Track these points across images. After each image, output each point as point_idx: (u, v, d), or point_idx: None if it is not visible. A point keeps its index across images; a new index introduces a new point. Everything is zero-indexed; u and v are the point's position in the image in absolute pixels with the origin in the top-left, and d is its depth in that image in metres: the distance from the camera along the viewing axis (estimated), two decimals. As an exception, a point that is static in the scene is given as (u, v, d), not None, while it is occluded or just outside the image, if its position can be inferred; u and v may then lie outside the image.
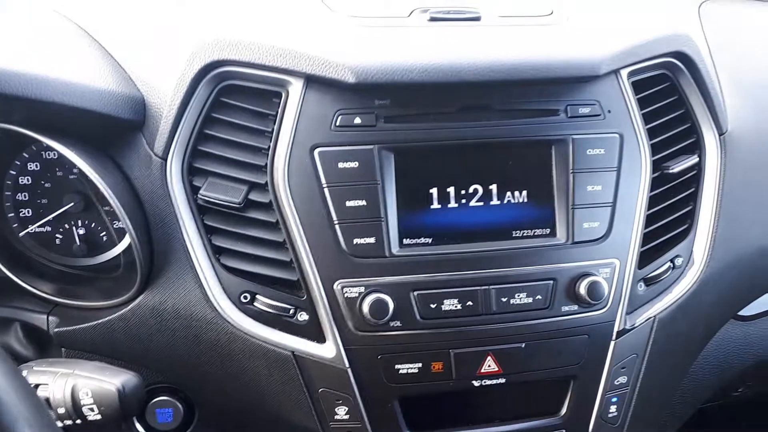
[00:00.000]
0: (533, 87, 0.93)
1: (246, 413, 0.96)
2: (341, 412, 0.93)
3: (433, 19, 0.97)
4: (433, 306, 0.92)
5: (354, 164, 0.89)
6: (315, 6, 0.96)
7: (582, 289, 0.94)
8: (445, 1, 1.02)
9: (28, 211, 1.01)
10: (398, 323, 0.91)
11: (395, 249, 0.91)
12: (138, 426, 1.01)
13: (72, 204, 0.99)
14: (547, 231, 0.96)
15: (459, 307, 0.92)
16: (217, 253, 0.92)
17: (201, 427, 1.00)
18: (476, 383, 0.95)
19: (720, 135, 1.06)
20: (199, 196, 0.91)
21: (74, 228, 1.02)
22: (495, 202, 0.94)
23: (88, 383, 0.81)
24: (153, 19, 1.00)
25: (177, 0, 1.00)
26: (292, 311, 0.92)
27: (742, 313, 1.17)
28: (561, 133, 0.94)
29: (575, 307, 0.96)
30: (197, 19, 0.95)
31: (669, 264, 1.03)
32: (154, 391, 0.99)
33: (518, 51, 0.90)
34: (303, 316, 0.92)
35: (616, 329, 0.98)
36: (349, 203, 0.89)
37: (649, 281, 1.02)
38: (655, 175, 1.01)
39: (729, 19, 1.34)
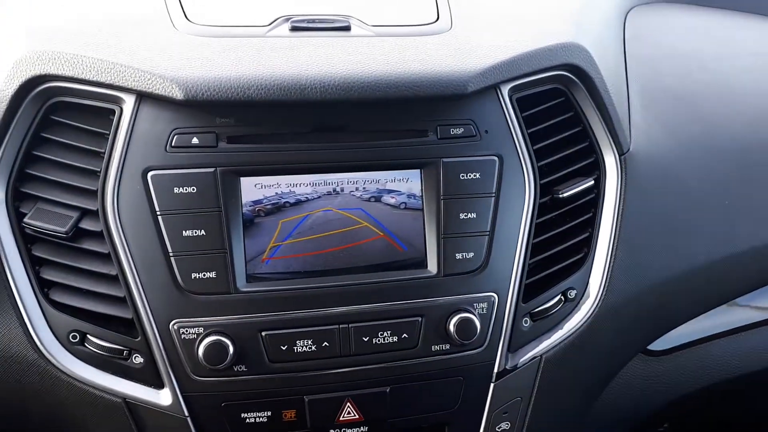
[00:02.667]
0: (398, 105, 0.84)
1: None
2: None
3: (294, 29, 0.88)
4: (283, 348, 0.83)
5: (192, 189, 0.80)
6: (159, 17, 0.88)
7: (452, 327, 0.85)
8: (323, 9, 0.94)
9: None
10: (243, 367, 0.82)
11: (241, 284, 0.82)
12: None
13: None
14: (417, 263, 0.87)
15: (313, 348, 0.83)
16: (45, 287, 0.83)
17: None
18: (334, 432, 0.86)
19: (620, 155, 0.97)
20: (23, 224, 0.82)
21: None
22: (360, 227, 0.86)
23: None
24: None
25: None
26: (125, 353, 0.82)
27: (652, 347, 1.08)
28: (429, 155, 0.86)
29: (447, 347, 0.87)
30: (21, 29, 0.86)
31: (560, 297, 0.94)
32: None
33: (376, 66, 0.81)
34: (138, 359, 0.82)
35: (495, 370, 0.90)
36: (186, 233, 0.80)
37: (536, 316, 0.93)
38: (545, 199, 0.93)
39: (654, 27, 1.26)
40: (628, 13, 1.24)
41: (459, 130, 0.86)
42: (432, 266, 0.87)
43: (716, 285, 1.05)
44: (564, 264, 0.94)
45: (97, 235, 0.82)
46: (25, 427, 0.84)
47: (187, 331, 0.81)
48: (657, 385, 1.08)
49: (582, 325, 0.94)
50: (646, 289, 0.99)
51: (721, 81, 1.18)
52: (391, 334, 0.85)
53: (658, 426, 1.27)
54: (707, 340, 1.10)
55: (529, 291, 0.92)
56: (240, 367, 0.82)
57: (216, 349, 0.79)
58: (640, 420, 1.09)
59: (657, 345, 1.07)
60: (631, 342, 1.01)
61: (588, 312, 0.95)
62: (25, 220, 0.81)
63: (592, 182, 0.96)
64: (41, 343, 0.81)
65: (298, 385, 0.84)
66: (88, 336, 0.82)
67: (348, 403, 0.85)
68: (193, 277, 0.81)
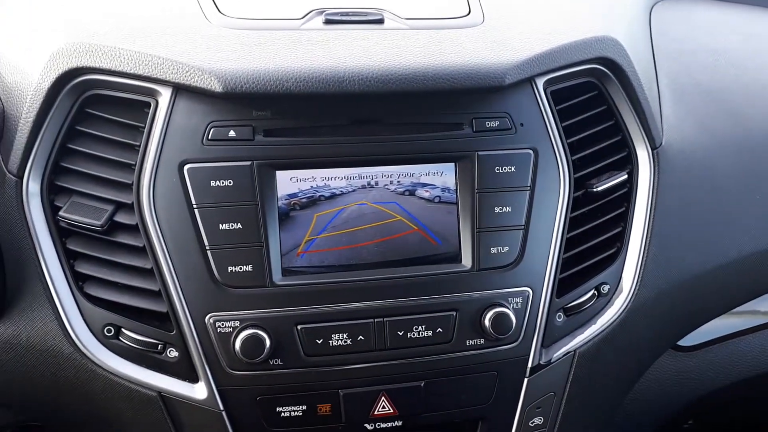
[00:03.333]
0: (433, 98, 0.84)
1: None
2: None
3: (328, 22, 0.87)
4: (319, 342, 0.82)
5: (228, 182, 0.80)
6: (193, 10, 0.87)
7: (487, 321, 0.85)
8: (355, 2, 0.94)
9: None
10: (279, 361, 0.82)
11: (277, 278, 0.82)
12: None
13: None
14: (451, 257, 0.86)
15: (349, 342, 0.83)
16: (79, 280, 0.83)
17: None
18: (369, 427, 0.85)
19: (653, 149, 0.97)
20: (58, 217, 0.82)
21: None
22: (394, 221, 0.85)
23: None
24: (12, 20, 0.90)
25: (36, 2, 0.91)
26: (160, 347, 0.82)
27: (681, 343, 1.07)
28: (465, 149, 0.85)
29: (482, 341, 0.86)
30: (58, 22, 0.86)
31: (593, 292, 0.93)
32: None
33: (414, 58, 0.81)
34: (173, 353, 0.82)
35: (529, 365, 0.89)
36: (223, 226, 0.80)
37: (569, 311, 0.92)
38: (578, 194, 0.92)
39: (680, 22, 1.25)
40: (653, 8, 1.24)
41: (494, 123, 0.86)
42: (466, 260, 0.86)
43: (748, 280, 1.05)
44: (597, 259, 0.94)
45: (132, 229, 0.81)
46: (61, 421, 0.84)
47: (223, 324, 0.80)
48: (686, 380, 1.08)
49: (615, 319, 0.93)
50: (679, 284, 0.98)
51: (749, 76, 1.17)
52: (426, 329, 0.85)
53: (684, 422, 1.26)
54: (737, 336, 1.09)
55: (563, 286, 0.91)
56: (275, 361, 0.81)
57: (253, 342, 0.79)
58: (668, 415, 1.08)
59: (687, 341, 1.07)
60: (663, 337, 1.00)
61: (621, 307, 0.94)
62: (61, 213, 0.81)
63: (626, 176, 0.95)
64: (77, 337, 0.81)
65: (333, 379, 0.83)
66: (123, 330, 0.82)
67: (383, 397, 0.85)
68: (229, 270, 0.80)
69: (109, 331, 0.82)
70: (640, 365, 1.00)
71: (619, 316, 0.94)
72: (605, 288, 0.94)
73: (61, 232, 0.82)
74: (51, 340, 0.81)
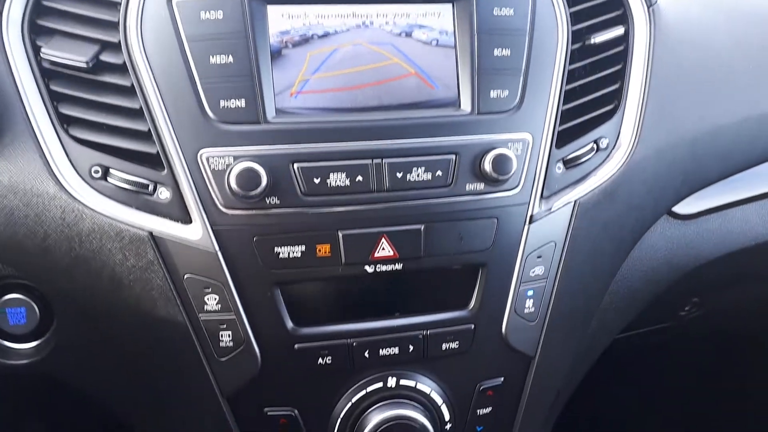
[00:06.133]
0: None
1: (103, 309, 0.83)
2: (212, 301, 0.81)
3: None
4: (317, 181, 0.80)
5: (218, 14, 0.77)
6: None
7: (487, 163, 0.83)
8: None
9: None
10: (276, 200, 0.79)
11: (271, 114, 0.79)
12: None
13: None
14: (450, 101, 0.84)
15: (347, 182, 0.81)
16: (64, 122, 0.80)
17: (60, 333, 0.88)
18: (369, 269, 0.83)
19: (649, 7, 0.95)
20: (41, 55, 0.78)
21: None
22: (390, 64, 0.83)
23: None
24: None
25: None
26: (151, 187, 0.79)
27: (680, 211, 1.07)
28: None
29: (481, 186, 0.85)
30: None
31: (592, 145, 0.92)
32: (4, 288, 0.86)
33: None
34: (164, 194, 0.79)
35: (529, 213, 0.88)
36: (213, 59, 0.77)
37: (569, 163, 0.91)
38: (576, 46, 0.91)
39: None
40: None
41: None
42: (466, 105, 0.84)
43: (745, 144, 1.04)
44: (596, 114, 0.92)
45: (119, 68, 0.78)
46: (50, 267, 0.81)
47: (216, 160, 0.78)
48: (683, 248, 1.07)
49: (615, 173, 0.92)
50: (676, 143, 0.97)
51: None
52: (425, 171, 0.83)
53: (680, 309, 1.26)
54: (735, 205, 1.09)
55: (562, 138, 0.90)
56: (272, 200, 0.79)
57: (248, 175, 0.76)
58: (667, 284, 1.08)
59: (684, 209, 1.06)
60: (661, 198, 0.99)
61: (620, 161, 0.93)
62: (43, 50, 0.78)
63: (623, 30, 0.94)
64: (62, 177, 0.78)
65: (331, 220, 0.81)
66: (111, 170, 0.79)
67: (383, 239, 0.83)
68: (221, 105, 0.77)
69: (96, 171, 0.79)
70: (638, 225, 0.98)
71: (618, 169, 0.93)
72: (604, 142, 0.93)
73: (44, 73, 0.79)
74: (34, 181, 0.78)
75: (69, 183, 0.79)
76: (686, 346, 1.61)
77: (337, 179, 0.81)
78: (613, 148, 0.94)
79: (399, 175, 0.82)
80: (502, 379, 0.94)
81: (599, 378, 1.39)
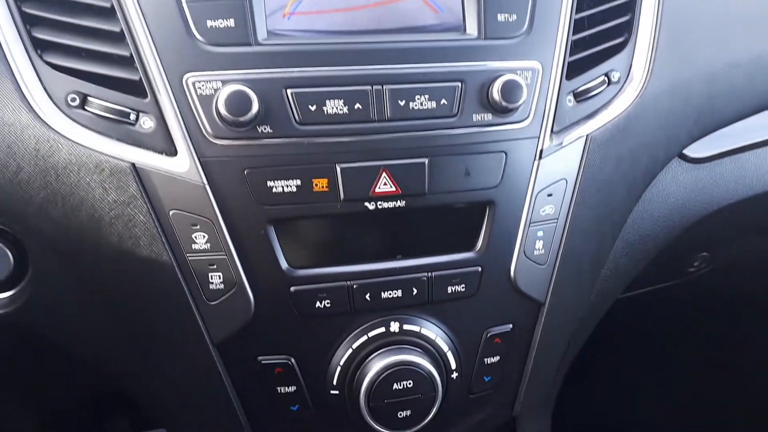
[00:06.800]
0: None
1: (82, 250, 0.76)
2: (200, 240, 0.75)
3: None
4: (312, 108, 0.74)
5: None
6: None
7: (496, 91, 0.78)
8: None
9: None
10: (268, 128, 0.73)
11: (262, 36, 0.73)
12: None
13: None
14: (454, 26, 0.78)
15: (345, 110, 0.75)
16: (38, 47, 0.73)
17: (37, 280, 0.81)
18: (370, 206, 0.78)
19: None
20: None
21: None
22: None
23: None
24: None
25: None
26: (133, 116, 0.73)
27: (693, 155, 1.02)
28: None
29: (489, 117, 0.79)
30: None
31: (603, 78, 0.87)
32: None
33: None
34: (147, 123, 0.73)
35: (539, 147, 0.82)
36: None
37: (579, 96, 0.85)
38: None
39: None
40: None
41: None
42: (471, 29, 0.78)
43: (760, 84, 0.99)
44: (606, 45, 0.87)
45: None
46: (23, 204, 0.74)
47: (203, 85, 0.71)
48: (695, 193, 1.02)
49: (628, 108, 0.87)
50: (689, 78, 0.92)
51: None
52: (429, 99, 0.77)
53: (689, 265, 1.22)
54: (747, 149, 1.04)
55: (573, 69, 0.84)
56: (264, 128, 0.73)
57: (238, 98, 0.70)
58: (680, 230, 1.03)
59: (697, 152, 1.01)
60: (675, 136, 0.94)
61: (633, 96, 0.87)
62: (13, -34, 0.71)
63: None
64: (36, 104, 0.72)
65: (329, 152, 0.75)
66: (89, 98, 0.73)
67: (384, 174, 0.77)
68: (208, 25, 0.71)
69: (73, 99, 0.73)
70: (650, 165, 0.93)
71: (630, 105, 0.87)
72: (615, 75, 0.88)
73: None
74: (5, 109, 0.71)
75: (43, 111, 0.72)
76: (693, 311, 1.58)
77: (334, 107, 0.75)
78: (624, 82, 0.89)
79: (401, 103, 0.76)
80: (511, 326, 0.88)
81: (605, 340, 1.35)
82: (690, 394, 1.71)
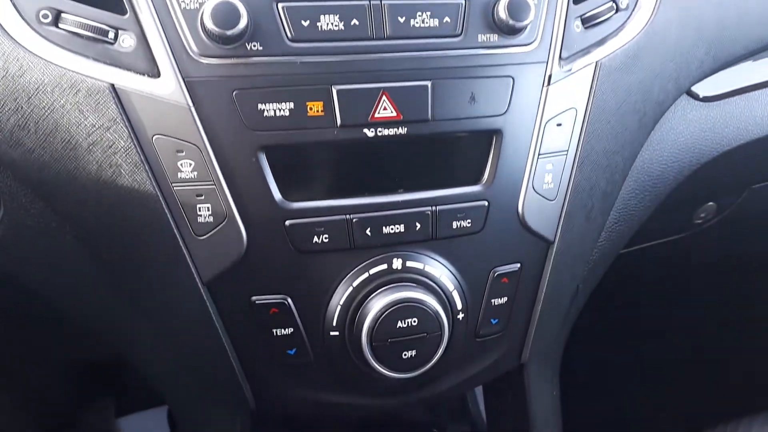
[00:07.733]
0: None
1: (58, 181, 0.70)
2: (186, 167, 0.69)
3: None
4: (305, 23, 0.69)
5: None
6: None
7: (502, 8, 0.73)
8: None
9: None
10: (258, 46, 0.68)
11: (250, -56, 0.68)
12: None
13: None
14: (456, -62, 0.74)
15: (341, 26, 0.70)
16: None
17: (9, 219, 0.75)
18: (369, 132, 0.72)
19: None
20: None
21: None
22: None
23: None
24: None
25: None
26: (112, 34, 0.67)
27: (702, 93, 0.98)
28: None
29: (495, 38, 0.74)
30: None
31: (611, 3, 0.83)
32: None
33: None
34: (127, 41, 0.67)
35: (547, 72, 0.78)
36: None
37: (587, 21, 0.80)
38: None
39: None
40: None
41: None
42: (475, -56, 0.74)
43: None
44: None
45: None
46: None
47: None
48: (705, 132, 0.98)
49: (637, 35, 0.83)
50: (701, 6, 0.88)
51: None
52: (431, 17, 0.72)
53: (705, 204, 1.17)
54: (757, 88, 1.00)
55: None
56: (254, 45, 0.67)
57: (226, 8, 0.64)
58: (689, 171, 0.99)
59: (706, 90, 0.97)
60: (685, 67, 0.89)
61: (642, 23, 0.83)
62: None
63: None
64: (3, 21, 0.65)
65: (324, 72, 0.70)
66: (63, 14, 0.66)
67: (383, 97, 0.72)
68: (191, -68, 0.66)
69: (45, 16, 0.66)
70: (661, 97, 0.88)
71: (640, 32, 0.83)
72: (623, 2, 0.83)
73: None
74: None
75: (11, 28, 0.66)
76: (700, 266, 1.54)
77: (329, 22, 0.69)
78: (633, 9, 0.84)
79: (401, 19, 0.71)
80: (519, 265, 0.84)
81: (611, 297, 1.32)
82: (692, 350, 1.69)
